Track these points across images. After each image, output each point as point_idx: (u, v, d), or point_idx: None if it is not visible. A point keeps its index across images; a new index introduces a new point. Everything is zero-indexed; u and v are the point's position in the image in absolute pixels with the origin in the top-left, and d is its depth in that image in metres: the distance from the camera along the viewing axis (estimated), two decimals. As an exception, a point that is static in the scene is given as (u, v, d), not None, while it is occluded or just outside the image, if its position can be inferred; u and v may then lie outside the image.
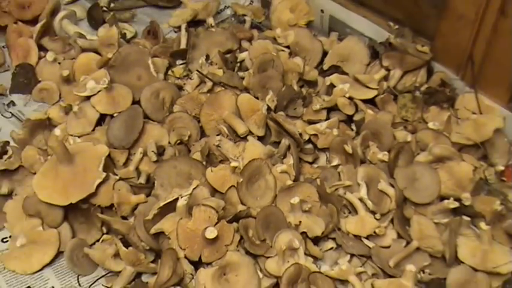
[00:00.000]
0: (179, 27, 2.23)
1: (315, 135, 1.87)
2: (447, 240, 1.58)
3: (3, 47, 2.28)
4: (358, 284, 1.53)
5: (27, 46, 2.19)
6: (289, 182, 1.71)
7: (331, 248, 1.64)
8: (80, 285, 1.60)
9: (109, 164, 1.75)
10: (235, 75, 2.00)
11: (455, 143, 1.81)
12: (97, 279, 1.61)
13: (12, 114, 2.06)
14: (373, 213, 1.66)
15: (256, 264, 1.57)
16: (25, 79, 2.13)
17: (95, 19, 2.36)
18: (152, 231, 1.57)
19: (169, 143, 1.85)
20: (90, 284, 1.60)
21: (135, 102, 1.92)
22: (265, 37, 2.16)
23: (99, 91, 1.88)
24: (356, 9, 2.14)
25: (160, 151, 1.82)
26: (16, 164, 1.79)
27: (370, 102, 1.96)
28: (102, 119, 1.91)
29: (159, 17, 2.41)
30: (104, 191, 1.66)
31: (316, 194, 1.69)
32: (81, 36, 2.22)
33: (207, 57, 2.06)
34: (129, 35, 2.31)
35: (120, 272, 1.58)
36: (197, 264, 1.57)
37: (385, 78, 2.01)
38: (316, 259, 1.61)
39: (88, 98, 1.89)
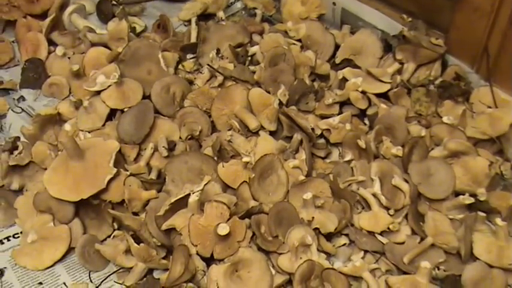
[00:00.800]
0: (189, 21, 2.22)
1: (328, 129, 1.85)
2: (462, 236, 1.57)
3: (12, 41, 2.28)
4: (372, 281, 1.52)
5: (37, 41, 2.19)
6: (302, 178, 1.70)
7: (344, 244, 1.64)
8: (91, 281, 1.60)
9: (120, 159, 1.75)
10: (246, 69, 1.98)
11: (471, 138, 1.79)
12: (108, 275, 1.60)
13: (22, 109, 2.06)
14: (387, 209, 1.65)
15: (269, 260, 1.56)
16: (35, 74, 2.12)
17: (104, 13, 2.35)
18: (163, 227, 1.57)
19: (180, 138, 1.84)
20: (101, 280, 1.60)
21: (146, 96, 1.91)
22: (276, 30, 2.14)
23: (109, 86, 1.88)
24: (368, 1, 2.12)
25: (171, 146, 1.81)
26: (26, 160, 1.79)
27: (384, 96, 1.95)
28: (112, 113, 1.90)
29: (169, 11, 2.40)
30: (115, 187, 1.66)
31: (329, 189, 1.68)
32: (91, 30, 2.21)
33: (218, 51, 2.04)
34: (138, 29, 2.30)
35: (131, 268, 1.58)
36: (209, 261, 1.56)
37: (399, 71, 1.99)
38: (329, 255, 1.60)
39: (98, 92, 1.89)
